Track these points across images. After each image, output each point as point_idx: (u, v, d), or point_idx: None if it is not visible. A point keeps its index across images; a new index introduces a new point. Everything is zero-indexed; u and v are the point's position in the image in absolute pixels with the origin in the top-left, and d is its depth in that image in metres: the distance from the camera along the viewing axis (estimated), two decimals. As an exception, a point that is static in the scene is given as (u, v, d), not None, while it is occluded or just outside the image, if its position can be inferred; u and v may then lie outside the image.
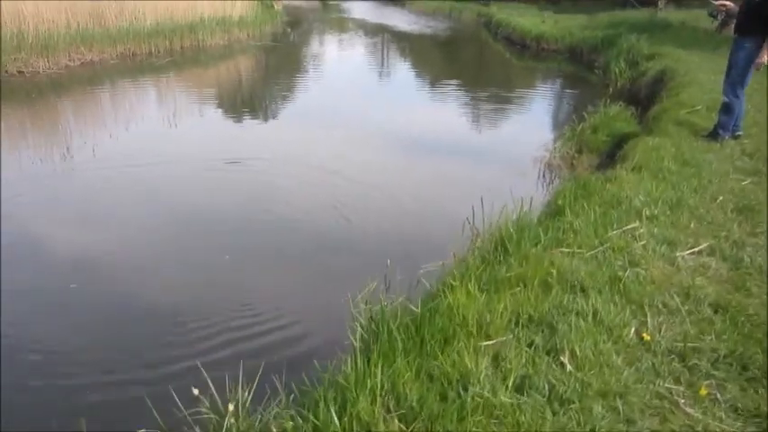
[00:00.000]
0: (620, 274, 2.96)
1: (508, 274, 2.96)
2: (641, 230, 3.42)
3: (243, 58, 18.77)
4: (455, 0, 43.54)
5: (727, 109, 5.64)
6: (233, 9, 21.84)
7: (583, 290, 2.84)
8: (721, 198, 4.00)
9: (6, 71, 12.04)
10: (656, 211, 3.68)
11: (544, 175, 6.98)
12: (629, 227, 3.45)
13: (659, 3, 21.48)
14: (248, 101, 12.47)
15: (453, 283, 2.91)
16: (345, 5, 53.31)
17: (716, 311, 2.70)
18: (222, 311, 3.94)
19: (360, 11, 44.60)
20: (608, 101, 8.78)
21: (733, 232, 3.51)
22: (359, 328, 2.88)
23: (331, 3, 59.09)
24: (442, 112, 11.20)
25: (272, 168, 7.00)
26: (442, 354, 2.38)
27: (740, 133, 5.75)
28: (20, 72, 12.30)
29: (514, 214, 4.03)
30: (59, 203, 6.02)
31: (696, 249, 3.30)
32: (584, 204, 3.86)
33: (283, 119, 10.68)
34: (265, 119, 10.78)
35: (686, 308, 2.70)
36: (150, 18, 17.04)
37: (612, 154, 7.02)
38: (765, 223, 3.57)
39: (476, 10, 36.37)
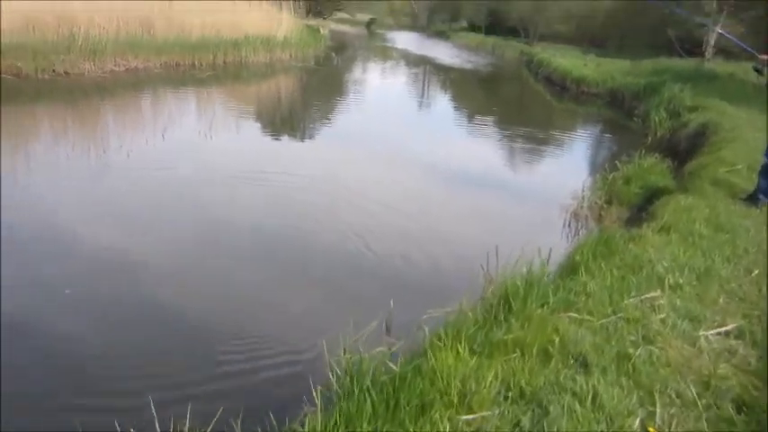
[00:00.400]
0: (631, 351, 2.63)
1: (506, 337, 2.67)
2: (662, 301, 3.09)
3: (284, 77, 19.01)
4: (499, 37, 43.74)
5: (765, 171, 5.27)
6: (278, 29, 22.27)
7: (585, 365, 2.51)
8: (756, 272, 3.62)
9: (54, 70, 12.37)
10: (680, 280, 3.34)
11: (569, 225, 6.65)
12: (648, 295, 3.12)
13: (706, 53, 20.97)
14: (285, 119, 12.56)
15: (442, 341, 2.63)
16: (390, 35, 54.17)
17: (739, 410, 2.33)
18: (210, 338, 3.73)
19: (404, 41, 45.13)
20: (643, 151, 8.43)
21: (766, 313, 3.15)
22: (334, 379, 2.64)
23: (377, 32, 60.23)
24: (477, 148, 11.05)
25: (301, 185, 7.00)
26: (414, 424, 2.11)
27: (783, 199, 5.34)
28: (66, 73, 12.62)
29: (529, 265, 3.76)
30: (85, 201, 6.07)
31: (723, 330, 2.95)
32: (602, 264, 3.55)
33: (319, 139, 10.66)
34: (301, 138, 10.78)
35: (704, 401, 2.36)
36: (197, 32, 17.46)
37: (644, 208, 6.67)
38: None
39: (519, 48, 36.35)
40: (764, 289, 3.40)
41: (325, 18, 49.18)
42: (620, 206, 6.95)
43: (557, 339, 2.65)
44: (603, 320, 2.88)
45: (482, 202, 7.44)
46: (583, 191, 7.11)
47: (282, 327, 4.00)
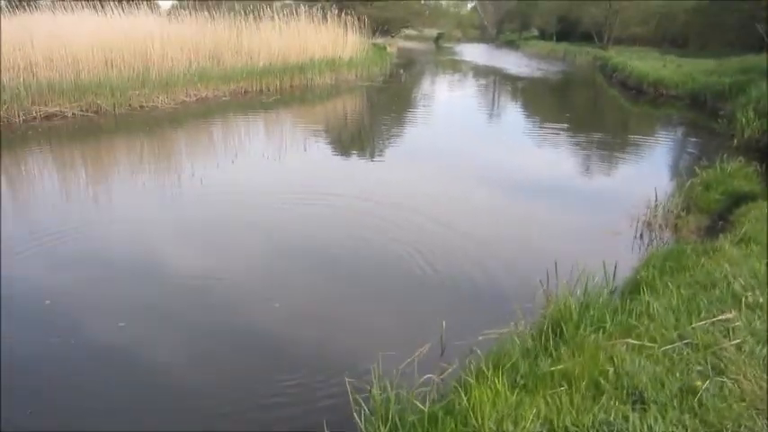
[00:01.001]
0: (698, 383, 2.29)
1: (552, 368, 2.42)
2: (737, 323, 2.72)
3: (349, 96, 19.30)
4: (571, 43, 42.47)
5: None
6: (343, 51, 22.71)
7: (642, 402, 2.22)
8: None
9: (130, 105, 13.17)
10: (761, 299, 2.94)
11: (642, 236, 6.19)
12: (721, 317, 2.76)
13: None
14: (350, 137, 12.70)
15: (482, 372, 2.42)
16: (458, 48, 54.01)
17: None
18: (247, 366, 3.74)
19: (473, 53, 44.84)
20: (725, 155, 7.77)
21: None
22: (369, 414, 2.51)
23: (445, 45, 60.26)
24: (546, 157, 10.69)
25: (366, 205, 7.05)
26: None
27: None
28: (141, 107, 13.40)
29: (585, 284, 3.47)
30: (157, 225, 6.43)
31: (812, 356, 2.56)
32: (669, 282, 3.21)
33: (384, 157, 10.69)
34: (366, 156, 10.83)
35: (784, 443, 2.02)
36: (264, 59, 18.11)
37: (725, 216, 6.11)
38: None
39: (592, 53, 35.10)
40: None
41: (392, 36, 49.83)
42: (699, 214, 6.41)
43: (611, 370, 2.37)
44: (667, 347, 2.56)
45: (550, 213, 7.17)
46: (656, 199, 6.62)
47: (336, 347, 3.99)
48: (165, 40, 15.37)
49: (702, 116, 14.62)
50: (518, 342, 2.88)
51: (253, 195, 7.57)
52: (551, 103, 20.56)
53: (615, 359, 2.46)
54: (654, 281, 3.35)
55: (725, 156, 7.79)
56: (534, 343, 2.83)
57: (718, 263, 3.38)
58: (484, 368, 2.49)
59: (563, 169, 9.69)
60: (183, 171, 8.70)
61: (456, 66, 35.16)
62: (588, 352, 2.51)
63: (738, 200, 6.14)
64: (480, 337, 3.56)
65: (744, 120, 10.97)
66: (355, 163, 10.17)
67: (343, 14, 24.67)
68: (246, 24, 19.07)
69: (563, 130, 13.71)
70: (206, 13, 19.18)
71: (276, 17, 20.15)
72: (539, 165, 9.93)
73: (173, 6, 26.80)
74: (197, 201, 7.32)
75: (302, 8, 21.86)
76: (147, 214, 6.79)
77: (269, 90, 17.23)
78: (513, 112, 17.77)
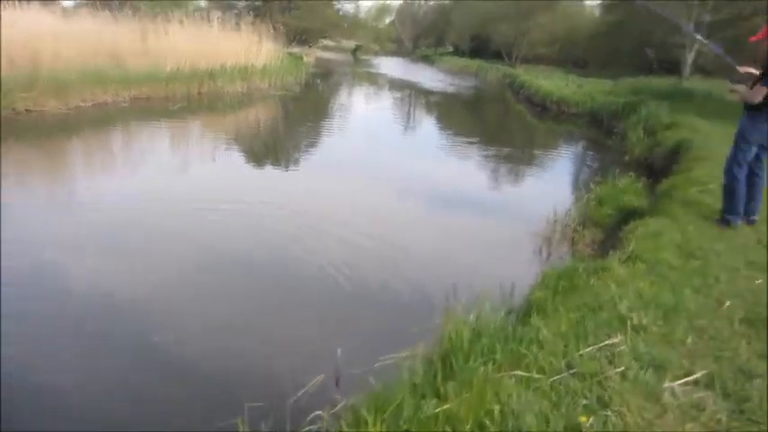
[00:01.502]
0: (583, 419, 2.22)
1: (437, 409, 2.27)
2: (623, 347, 2.72)
3: (261, 105, 18.79)
4: (483, 60, 44.06)
5: (726, 190, 5.04)
6: (257, 58, 22.14)
7: (526, 443, 2.13)
8: (729, 303, 3.28)
9: (14, 109, 11.99)
10: (645, 320, 2.97)
11: (541, 251, 6.33)
12: (608, 342, 2.76)
13: (684, 71, 21.02)
14: (261, 147, 12.27)
15: (363, 418, 2.23)
16: (376, 61, 54.56)
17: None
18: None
19: (389, 66, 45.39)
20: (618, 171, 8.19)
21: (739, 353, 2.79)
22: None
23: (362, 57, 60.67)
24: (456, 170, 10.84)
25: (269, 214, 6.92)
26: None
27: (755, 218, 5.02)
28: (28, 111, 12.25)
29: (479, 309, 3.41)
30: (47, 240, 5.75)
31: (691, 378, 2.60)
32: (559, 306, 3.20)
33: (296, 167, 10.42)
34: (277, 166, 10.51)
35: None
36: (171, 64, 17.24)
37: (617, 230, 6.36)
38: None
39: (502, 70, 36.58)
40: (736, 323, 3.06)
41: (310, 46, 49.49)
42: (593, 228, 6.65)
43: (497, 409, 2.26)
44: (554, 378, 2.50)
45: (457, 227, 7.23)
46: (555, 214, 6.81)
47: (224, 378, 3.67)
48: (59, 37, 14.18)
49: (600, 133, 15.48)
50: (407, 377, 2.73)
51: (155, 208, 7.01)
52: (463, 117, 21.10)
53: (502, 395, 2.36)
54: (546, 303, 3.34)
55: (617, 171, 8.17)
56: (424, 377, 2.69)
57: (606, 283, 3.42)
58: (364, 413, 2.30)
59: (471, 183, 9.86)
60: (73, 183, 8.07)
61: (373, 78, 35.41)
62: (476, 388, 2.39)
63: (628, 215, 6.41)
64: (377, 365, 3.42)
65: (634, 138, 11.70)
66: (266, 173, 9.84)
67: (258, 22, 24.16)
68: (153, 27, 18.12)
69: (473, 143, 14.04)
70: (107, 12, 18.04)
71: (186, 21, 19.33)
72: (449, 177, 10.04)
73: (75, 5, 25.08)
74: (88, 214, 6.65)
75: (214, 13, 21.17)
76: (32, 232, 6.01)
77: (175, 97, 16.37)
78: (426, 126, 18.02)
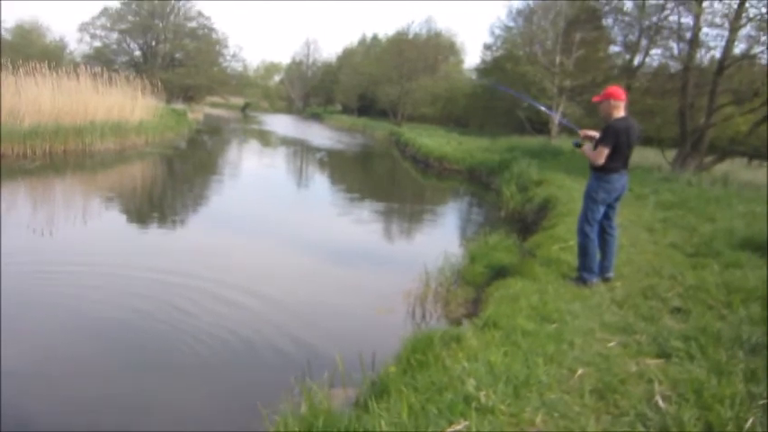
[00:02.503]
0: None
1: None
2: (467, 434, 2.47)
3: (135, 163, 17.67)
4: (370, 118, 45.40)
5: (580, 250, 5.15)
6: (132, 114, 21.07)
7: None
8: (581, 371, 3.18)
9: None
10: (493, 399, 2.75)
11: (414, 313, 6.12)
12: (450, 430, 2.49)
13: (552, 131, 22.77)
14: (137, 206, 11.34)
15: None
16: (265, 118, 54.46)
17: None
18: None
19: (279, 124, 45.40)
20: (489, 228, 8.32)
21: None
22: None
23: (252, 115, 60.34)
24: (340, 227, 10.62)
25: (134, 277, 6.53)
26: None
27: (610, 275, 5.17)
28: None
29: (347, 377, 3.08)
30: None
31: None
32: (407, 386, 2.91)
33: (170, 226, 9.80)
34: (139, 225, 9.75)
35: None
36: (30, 119, 15.83)
37: (489, 286, 6.33)
38: (630, 414, 2.73)
39: (388, 129, 37.77)
40: (587, 396, 2.92)
41: (196, 102, 48.41)
42: (466, 287, 6.58)
43: None
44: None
45: (333, 286, 7.04)
46: (426, 273, 6.68)
47: None
48: None
49: (479, 189, 16.09)
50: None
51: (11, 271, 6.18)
52: (351, 173, 21.22)
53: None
54: (397, 382, 3.04)
55: (488, 228, 8.30)
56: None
57: (456, 357, 3.19)
58: None
59: (355, 239, 9.69)
60: None
61: (262, 135, 35.10)
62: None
63: (498, 272, 6.41)
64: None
65: (508, 193, 12.17)
66: (129, 231, 9.10)
67: (139, 78, 23.22)
68: (13, 80, 16.67)
69: (360, 200, 14.01)
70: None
71: (51, 74, 18.01)
72: (334, 234, 9.89)
73: None
74: None
75: (86, 68, 19.99)
76: None
77: (35, 154, 15.00)
78: (314, 182, 17.86)
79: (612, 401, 2.90)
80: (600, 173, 5.00)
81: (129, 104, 21.14)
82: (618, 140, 4.86)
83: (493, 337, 3.51)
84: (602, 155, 4.88)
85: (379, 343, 5.06)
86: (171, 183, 15.38)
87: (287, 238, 9.17)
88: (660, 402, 2.73)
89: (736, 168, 16.98)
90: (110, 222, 9.67)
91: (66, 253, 7.42)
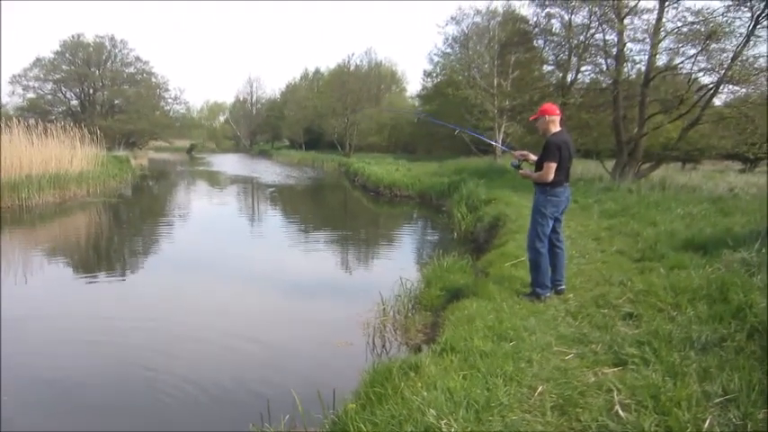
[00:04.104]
0: None
1: None
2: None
3: (78, 215, 16.98)
4: (319, 151, 45.48)
5: (532, 265, 5.19)
6: (71, 164, 20.41)
7: None
8: (541, 388, 3.15)
9: None
10: (455, 427, 2.67)
11: (374, 343, 6.01)
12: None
13: (496, 150, 23.33)
14: (73, 259, 10.80)
15: None
16: (213, 159, 53.78)
17: None
18: None
19: (227, 163, 44.86)
20: (442, 251, 8.33)
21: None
22: None
23: (199, 156, 59.46)
24: (295, 260, 10.42)
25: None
26: None
27: (563, 287, 5.22)
28: None
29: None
30: None
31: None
32: (367, 422, 2.81)
33: (110, 275, 9.36)
34: (90, 276, 9.23)
35: None
36: (-40, 177, 15.10)
37: (446, 309, 6.29)
38: (592, 427, 2.71)
39: (337, 160, 37.91)
40: (548, 413, 2.89)
41: (139, 148, 47.37)
42: (424, 312, 6.52)
43: None
44: None
45: (291, 321, 6.92)
46: (383, 302, 6.61)
47: None
48: None
49: (431, 212, 16.20)
50: None
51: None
52: (303, 206, 21.03)
53: None
54: (356, 419, 2.93)
55: (442, 251, 8.30)
56: None
57: (415, 387, 3.11)
58: None
59: (311, 271, 9.53)
60: None
61: (210, 176, 34.55)
62: None
63: (454, 294, 6.38)
64: None
65: (459, 214, 12.29)
66: (73, 284, 8.65)
67: (77, 127, 22.58)
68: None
69: (313, 231, 13.87)
70: None
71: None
72: (289, 268, 9.75)
73: None
74: None
75: (16, 121, 19.28)
76: None
77: (-36, 214, 14.24)
78: (267, 218, 17.54)
79: (574, 416, 2.87)
80: (546, 187, 5.07)
81: (67, 155, 20.49)
82: (561, 154, 4.96)
83: (451, 361, 3.45)
84: (550, 171, 4.96)
85: (340, 377, 4.94)
86: (116, 230, 14.84)
87: (241, 275, 8.98)
88: (620, 411, 2.73)
89: (672, 173, 17.74)
90: (52, 275, 9.22)
91: (5, 309, 7.01)
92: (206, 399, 4.73)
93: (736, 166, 26.02)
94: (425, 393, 2.96)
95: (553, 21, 18.08)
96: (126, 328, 6.37)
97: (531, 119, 5.45)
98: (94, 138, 23.81)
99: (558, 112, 5.13)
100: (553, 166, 4.96)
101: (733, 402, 2.69)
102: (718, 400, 2.69)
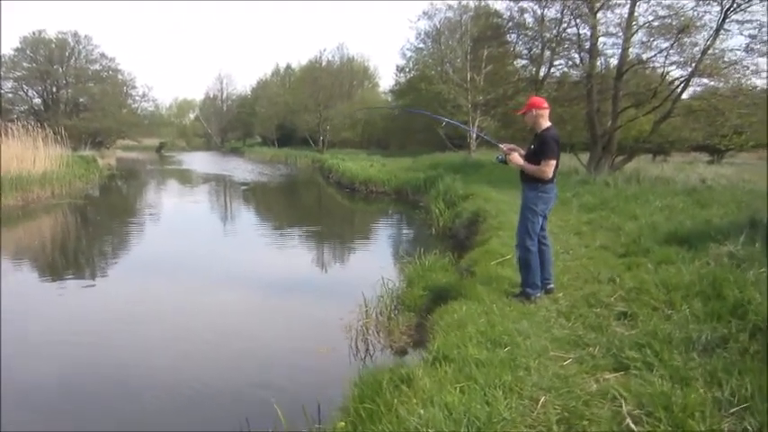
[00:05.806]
0: None
1: None
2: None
3: (42, 218, 16.30)
4: (292, 148, 44.93)
5: (522, 264, 5.02)
6: (33, 165, 19.64)
7: None
8: (543, 399, 2.97)
9: None
10: (454, 445, 2.49)
11: (357, 348, 5.78)
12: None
13: (471, 146, 23.28)
14: (37, 263, 10.31)
15: None
16: (183, 157, 52.69)
17: None
18: None
19: (198, 161, 43.99)
20: (422, 248, 8.14)
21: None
22: None
23: (169, 155, 58.18)
24: (272, 260, 10.22)
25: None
26: None
27: (552, 286, 5.07)
28: None
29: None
30: None
31: None
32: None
33: (78, 279, 9.00)
34: (55, 280, 8.85)
35: None
36: None
37: (431, 311, 6.09)
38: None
39: (310, 156, 37.46)
40: (554, 427, 2.72)
41: (107, 147, 46.02)
42: (408, 312, 6.31)
43: None
44: None
45: (270, 326, 6.68)
46: (366, 303, 6.39)
47: None
48: None
49: (407, 208, 16.01)
50: None
51: None
52: (277, 204, 20.67)
53: None
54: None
55: (422, 248, 8.10)
56: None
57: (410, 403, 2.90)
58: None
59: (288, 271, 9.25)
60: None
61: (181, 174, 33.79)
62: None
63: (438, 294, 6.19)
64: None
65: (437, 210, 12.12)
66: (38, 289, 8.21)
67: (40, 126, 21.74)
68: None
69: (288, 230, 13.56)
70: None
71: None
72: (266, 267, 9.55)
73: None
74: None
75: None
76: None
77: None
78: (240, 216, 17.17)
79: (582, 429, 2.70)
80: (538, 183, 4.90)
81: (29, 155, 19.72)
82: (558, 150, 4.84)
83: (445, 373, 3.26)
84: (550, 168, 4.79)
85: (324, 387, 4.72)
86: (84, 232, 14.29)
87: (215, 278, 8.66)
88: (631, 424, 2.57)
89: (644, 165, 17.90)
90: (18, 280, 8.76)
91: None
92: (181, 411, 4.47)
93: (704, 157, 26.49)
94: (422, 411, 2.75)
95: (526, 15, 18.04)
96: (95, 334, 6.08)
97: (518, 113, 5.28)
98: (59, 137, 22.98)
99: (546, 105, 4.97)
100: (553, 163, 4.81)
101: (747, 410, 2.55)
102: (733, 410, 2.55)
